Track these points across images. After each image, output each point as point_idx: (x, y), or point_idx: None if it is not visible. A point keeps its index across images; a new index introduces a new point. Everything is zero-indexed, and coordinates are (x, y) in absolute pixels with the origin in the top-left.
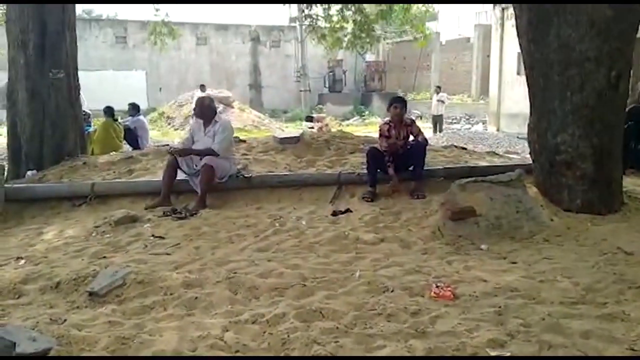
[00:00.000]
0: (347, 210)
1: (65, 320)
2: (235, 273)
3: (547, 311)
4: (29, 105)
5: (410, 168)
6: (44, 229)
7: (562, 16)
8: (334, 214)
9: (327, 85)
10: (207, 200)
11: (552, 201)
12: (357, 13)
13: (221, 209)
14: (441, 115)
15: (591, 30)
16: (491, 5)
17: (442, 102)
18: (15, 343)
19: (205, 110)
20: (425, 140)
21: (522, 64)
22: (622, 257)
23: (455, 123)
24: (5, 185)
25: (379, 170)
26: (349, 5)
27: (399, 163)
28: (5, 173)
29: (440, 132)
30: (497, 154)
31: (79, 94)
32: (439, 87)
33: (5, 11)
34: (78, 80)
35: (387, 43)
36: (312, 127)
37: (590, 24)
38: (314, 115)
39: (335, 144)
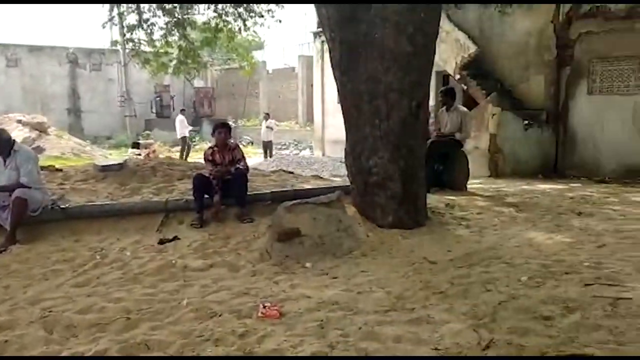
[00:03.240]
0: (175, 238)
1: None
2: (50, 311)
3: (364, 320)
4: None
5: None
6: None
7: (369, 50)
8: (161, 242)
9: (154, 111)
10: (17, 235)
11: (367, 219)
12: (182, 39)
13: (34, 244)
14: (270, 141)
15: (394, 65)
16: (312, 37)
17: (271, 128)
18: None
19: (3, 144)
20: (246, 166)
21: None
22: (427, 266)
23: (284, 149)
24: None
25: (207, 196)
26: (174, 31)
27: (226, 188)
28: None
29: (270, 157)
30: (321, 178)
31: None
32: (267, 114)
33: None
34: None
35: (215, 70)
36: (139, 154)
37: (393, 58)
38: (141, 141)
39: (162, 171)
